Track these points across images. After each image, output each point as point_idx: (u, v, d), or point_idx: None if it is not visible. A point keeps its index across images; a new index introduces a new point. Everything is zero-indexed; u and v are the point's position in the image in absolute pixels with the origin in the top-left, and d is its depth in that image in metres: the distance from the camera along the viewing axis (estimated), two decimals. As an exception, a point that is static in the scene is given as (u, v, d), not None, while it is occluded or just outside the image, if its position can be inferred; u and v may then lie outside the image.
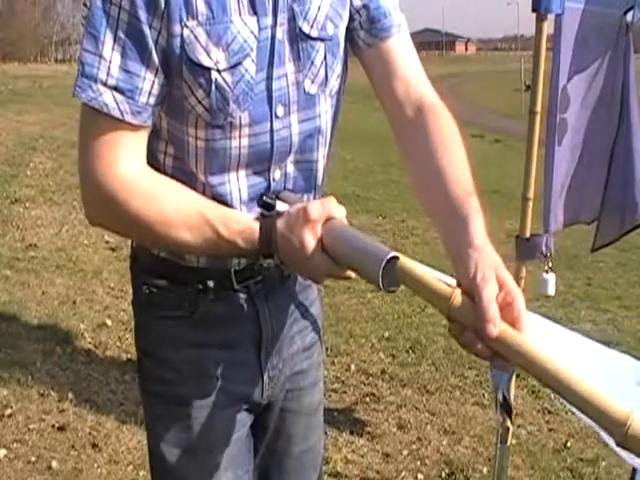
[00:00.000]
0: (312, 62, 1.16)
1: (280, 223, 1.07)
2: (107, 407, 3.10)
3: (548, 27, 2.15)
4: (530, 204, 2.25)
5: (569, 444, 3.07)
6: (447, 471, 2.80)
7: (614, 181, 2.41)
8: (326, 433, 2.92)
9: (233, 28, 1.07)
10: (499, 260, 0.95)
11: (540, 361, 0.85)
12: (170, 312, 1.20)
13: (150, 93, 1.07)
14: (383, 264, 0.98)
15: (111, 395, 3.20)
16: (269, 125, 1.14)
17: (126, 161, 1.07)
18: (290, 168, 1.19)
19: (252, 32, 1.08)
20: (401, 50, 1.21)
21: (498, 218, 6.56)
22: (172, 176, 1.12)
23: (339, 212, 1.07)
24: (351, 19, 1.20)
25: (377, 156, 10.50)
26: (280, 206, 1.12)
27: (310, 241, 1.04)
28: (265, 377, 1.26)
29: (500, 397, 2.33)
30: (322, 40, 1.16)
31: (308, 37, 1.14)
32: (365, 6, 1.19)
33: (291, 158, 1.18)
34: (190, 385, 1.21)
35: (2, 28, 34.59)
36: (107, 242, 5.41)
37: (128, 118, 1.06)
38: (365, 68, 1.23)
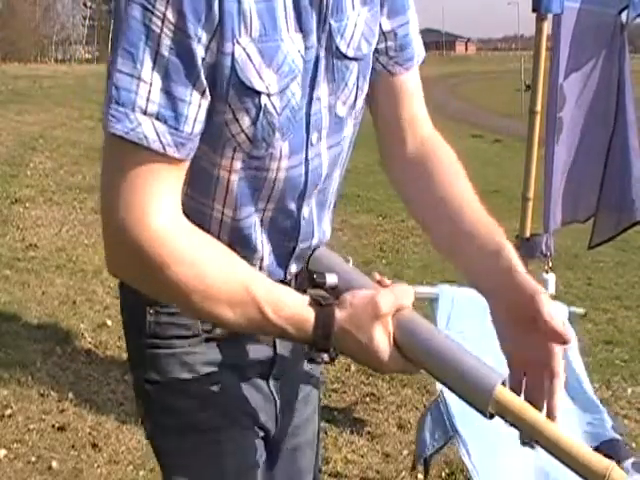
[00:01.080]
0: (345, 83, 1.06)
1: (341, 315, 0.95)
2: (107, 407, 3.09)
3: (548, 27, 2.16)
4: (530, 204, 2.26)
5: (569, 444, 3.06)
6: (447, 471, 2.79)
7: (610, 179, 2.42)
8: (326, 433, 2.92)
9: (283, 47, 0.95)
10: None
11: (527, 417, 0.90)
12: (182, 332, 1.10)
13: (195, 120, 0.92)
14: (494, 394, 0.90)
15: (111, 395, 3.20)
16: (304, 155, 1.03)
17: (163, 208, 0.90)
18: (313, 202, 1.10)
19: (299, 52, 0.97)
20: (415, 86, 1.15)
21: (498, 218, 6.56)
22: (185, 215, 0.98)
23: (408, 299, 0.98)
24: (377, 42, 1.10)
25: (377, 156, 10.45)
26: (330, 279, 1.02)
27: (382, 339, 0.94)
28: (278, 404, 1.19)
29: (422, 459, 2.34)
30: (356, 60, 1.06)
31: (344, 57, 1.04)
32: (394, 31, 1.11)
33: (316, 190, 1.09)
34: (208, 411, 1.12)
35: (2, 28, 34.57)
36: (107, 242, 5.40)
37: (171, 152, 0.90)
38: (372, 92, 1.13)
